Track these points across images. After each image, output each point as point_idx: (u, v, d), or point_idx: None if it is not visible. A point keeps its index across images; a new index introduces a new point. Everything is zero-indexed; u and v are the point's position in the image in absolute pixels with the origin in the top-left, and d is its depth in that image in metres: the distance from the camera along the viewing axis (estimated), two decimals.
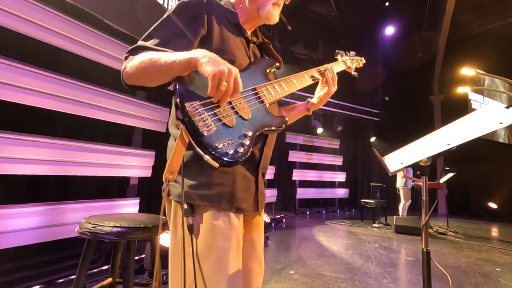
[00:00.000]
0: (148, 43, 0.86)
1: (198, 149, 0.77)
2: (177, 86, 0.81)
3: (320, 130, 7.98)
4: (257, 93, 0.95)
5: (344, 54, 1.42)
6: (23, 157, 2.04)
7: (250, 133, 0.86)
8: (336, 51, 1.40)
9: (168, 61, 0.78)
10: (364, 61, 1.48)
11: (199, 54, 0.77)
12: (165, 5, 3.52)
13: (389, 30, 9.29)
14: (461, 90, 7.54)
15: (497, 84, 9.14)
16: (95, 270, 2.40)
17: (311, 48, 7.72)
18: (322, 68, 1.23)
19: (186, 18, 0.91)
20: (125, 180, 3.02)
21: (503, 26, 8.32)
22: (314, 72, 1.20)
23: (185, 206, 0.85)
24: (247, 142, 0.84)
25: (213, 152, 0.77)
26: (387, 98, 9.40)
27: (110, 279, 1.69)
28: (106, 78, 2.75)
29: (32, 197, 2.45)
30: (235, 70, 0.77)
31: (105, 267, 2.46)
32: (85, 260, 1.44)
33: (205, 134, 0.77)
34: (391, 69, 8.98)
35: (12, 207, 1.98)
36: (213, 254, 0.85)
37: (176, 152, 0.79)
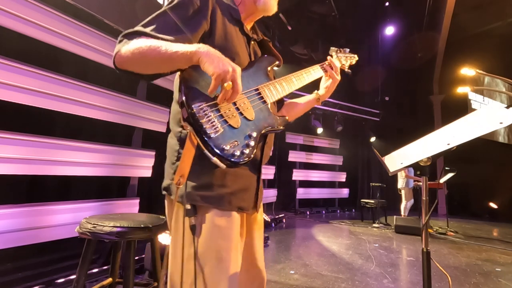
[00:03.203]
0: (148, 30, 0.82)
1: (206, 151, 0.77)
2: (182, 86, 0.80)
3: (320, 130, 7.97)
4: (259, 93, 0.96)
5: (338, 51, 1.41)
6: (23, 157, 2.03)
7: (254, 134, 0.87)
8: (331, 48, 1.39)
9: (169, 50, 0.75)
10: (357, 58, 1.46)
11: (202, 50, 0.75)
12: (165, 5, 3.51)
13: (389, 30, 9.28)
14: (461, 90, 7.53)
15: (497, 84, 9.14)
16: (95, 270, 2.40)
17: (311, 48, 7.71)
18: (321, 64, 1.24)
19: (190, 10, 0.89)
20: (125, 180, 3.02)
21: (503, 26, 8.32)
22: (312, 70, 1.20)
23: (188, 207, 0.85)
24: (252, 143, 0.85)
25: (221, 154, 0.77)
26: (387, 98, 9.40)
27: (110, 279, 1.69)
28: (106, 78, 2.75)
29: (31, 197, 2.45)
30: (238, 70, 0.77)
31: (105, 267, 2.46)
32: (85, 260, 1.44)
33: (213, 136, 0.77)
34: (391, 69, 8.98)
35: (12, 207, 1.98)
36: (214, 254, 0.85)
37: (185, 154, 0.79)
